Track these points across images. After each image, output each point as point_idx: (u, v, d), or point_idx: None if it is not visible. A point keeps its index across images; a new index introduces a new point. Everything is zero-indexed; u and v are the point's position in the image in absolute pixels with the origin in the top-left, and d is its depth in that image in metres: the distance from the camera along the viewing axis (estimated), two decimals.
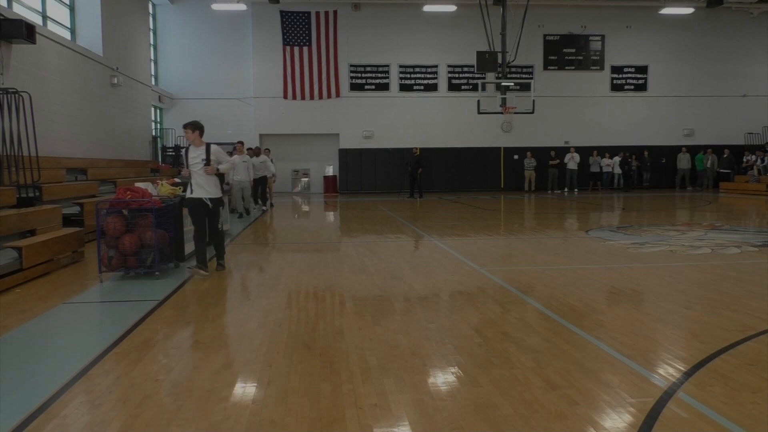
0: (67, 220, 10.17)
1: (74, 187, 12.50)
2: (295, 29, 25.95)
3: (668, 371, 4.07)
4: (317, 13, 25.94)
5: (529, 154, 26.49)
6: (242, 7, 24.27)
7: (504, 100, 22.53)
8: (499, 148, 27.37)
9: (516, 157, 27.26)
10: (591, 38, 27.42)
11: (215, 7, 24.19)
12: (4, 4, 13.04)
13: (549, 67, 27.36)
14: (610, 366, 4.19)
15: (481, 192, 26.30)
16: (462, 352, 4.55)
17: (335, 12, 26.01)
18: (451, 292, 6.80)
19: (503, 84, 22.53)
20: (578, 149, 26.15)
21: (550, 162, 26.27)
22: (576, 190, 25.87)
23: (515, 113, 23.34)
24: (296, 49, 26.01)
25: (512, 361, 4.29)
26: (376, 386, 3.83)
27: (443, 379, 4.02)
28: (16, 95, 10.26)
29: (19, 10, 13.56)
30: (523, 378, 3.95)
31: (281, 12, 25.66)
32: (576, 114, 27.35)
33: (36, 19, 14.42)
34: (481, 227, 13.42)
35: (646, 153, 27.13)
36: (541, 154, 26.51)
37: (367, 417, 3.38)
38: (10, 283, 7.03)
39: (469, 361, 4.33)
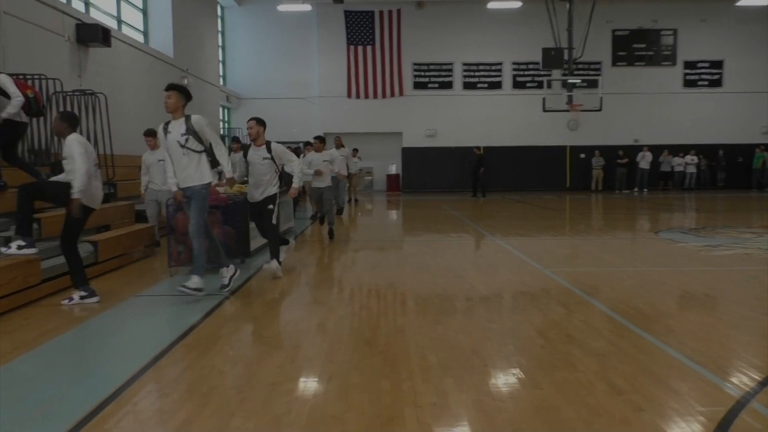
0: (140, 216, 10.55)
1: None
2: (359, 29, 26.14)
3: (742, 380, 3.89)
4: (381, 12, 26.06)
5: (597, 152, 25.84)
6: (307, 7, 24.61)
7: (570, 98, 22.07)
8: (565, 146, 26.82)
9: (583, 155, 26.64)
10: (662, 33, 26.49)
11: (281, 8, 24.61)
12: (82, 9, 13.65)
13: (618, 63, 26.61)
14: (679, 372, 4.05)
15: (545, 191, 25.82)
16: (524, 353, 4.48)
17: (399, 11, 26.06)
18: (514, 293, 6.71)
19: (570, 81, 22.06)
20: (648, 148, 25.35)
21: (618, 161, 25.55)
22: (645, 190, 25.07)
23: (582, 111, 22.80)
24: (360, 48, 26.21)
25: (576, 364, 4.20)
26: (436, 385, 3.82)
27: (504, 380, 3.97)
28: (93, 96, 10.71)
29: (95, 15, 14.16)
30: (586, 382, 3.86)
31: (345, 12, 25.89)
32: (646, 111, 26.47)
33: (111, 23, 15.02)
34: (546, 227, 13.19)
35: (721, 152, 26.04)
36: (609, 152, 25.81)
37: (427, 415, 3.38)
38: (87, 275, 7.34)
39: (531, 362, 4.27)
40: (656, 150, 25.64)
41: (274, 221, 7.54)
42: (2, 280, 5.74)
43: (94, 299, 6.20)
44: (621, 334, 4.93)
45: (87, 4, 14.06)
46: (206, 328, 5.25)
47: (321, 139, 11.43)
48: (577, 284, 6.88)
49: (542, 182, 26.67)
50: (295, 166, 7.73)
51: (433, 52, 26.50)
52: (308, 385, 3.96)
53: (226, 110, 25.92)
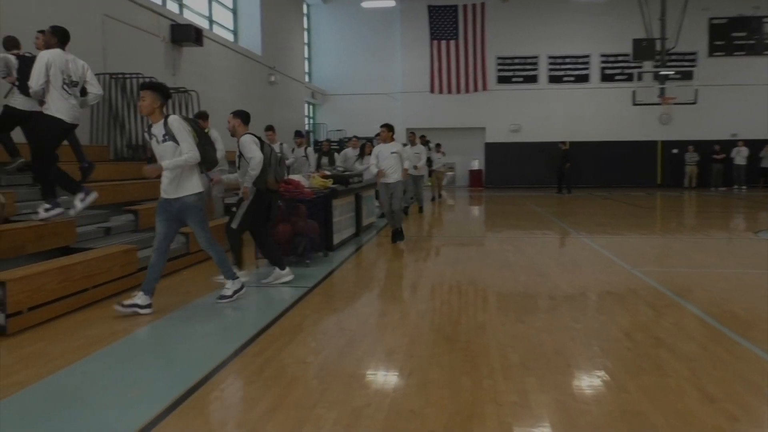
0: (229, 209, 10.90)
1: (235, 179, 13.35)
2: (443, 23, 26.01)
3: None
4: (464, 6, 25.81)
5: (690, 148, 24.66)
6: (391, 3, 24.70)
7: (663, 90, 21.14)
8: (656, 141, 25.73)
9: (675, 151, 25.47)
10: (765, 20, 24.86)
11: (365, 5, 24.83)
12: (176, 11, 14.25)
13: (715, 53, 25.23)
14: None
15: (634, 188, 24.88)
16: (609, 355, 4.35)
17: (483, 4, 25.73)
18: (600, 292, 6.52)
19: (662, 73, 21.12)
20: (747, 142, 23.92)
21: (714, 156, 24.26)
22: (744, 187, 23.70)
23: (675, 104, 21.80)
24: (443, 43, 26.07)
25: (665, 369, 4.03)
26: (517, 384, 3.77)
27: (588, 382, 3.87)
28: (186, 93, 11.17)
29: (188, 16, 14.75)
30: (676, 387, 3.71)
31: (429, 7, 25.82)
32: (745, 104, 24.91)
33: (203, 23, 15.60)
34: (634, 225, 12.72)
35: None
36: (704, 147, 24.55)
37: (507, 414, 3.34)
38: (179, 265, 7.70)
39: (617, 365, 4.13)
40: (756, 145, 24.13)
41: (233, 225, 6.85)
42: (101, 269, 6.09)
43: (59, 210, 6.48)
44: (714, 339, 4.69)
45: (181, 6, 14.67)
46: (289, 320, 5.39)
47: (389, 127, 9.83)
48: (667, 285, 6.61)
49: (631, 178, 25.70)
50: (252, 163, 6.64)
51: (517, 45, 26.02)
52: (388, 378, 3.99)
53: (311, 106, 26.43)
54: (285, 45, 21.29)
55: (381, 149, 9.78)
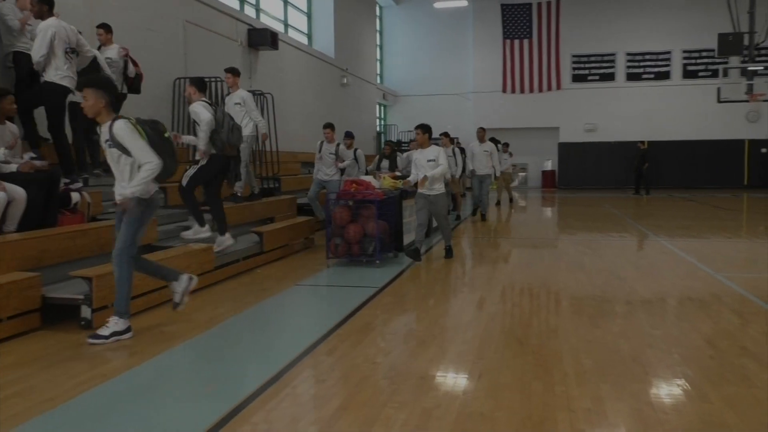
0: (301, 209, 11.11)
1: (308, 180, 13.59)
2: (516, 22, 25.63)
3: None
4: (539, 4, 25.36)
5: None
6: (463, 3, 24.54)
7: (750, 87, 20.07)
8: (743, 140, 24.49)
9: (764, 150, 24.18)
10: None
11: (438, 5, 24.74)
12: (253, 15, 14.63)
13: None
14: None
15: (719, 189, 23.77)
16: (690, 363, 4.16)
17: (558, 1, 25.20)
18: (680, 298, 6.25)
19: (750, 68, 20.07)
20: None
21: None
22: None
23: (764, 101, 20.68)
24: (516, 42, 25.70)
25: (751, 379, 3.82)
26: (592, 390, 3.66)
27: (667, 390, 3.71)
28: (261, 96, 11.42)
29: (265, 20, 15.11)
30: (764, 399, 3.50)
31: (502, 5, 25.52)
32: None
33: (279, 27, 15.95)
34: (719, 228, 12.14)
35: None
36: None
37: (580, 421, 3.24)
38: (252, 264, 7.88)
39: (698, 374, 3.95)
40: None
41: (183, 182, 7.24)
42: (181, 267, 6.29)
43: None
44: None
45: (258, 11, 15.04)
46: (360, 320, 5.42)
47: (424, 129, 8.32)
48: (754, 291, 6.27)
49: (715, 179, 24.58)
50: (201, 126, 7.12)
51: (593, 43, 25.35)
52: (458, 381, 3.95)
53: (382, 107, 26.58)
54: (357, 47, 21.51)
55: (417, 156, 8.42)
